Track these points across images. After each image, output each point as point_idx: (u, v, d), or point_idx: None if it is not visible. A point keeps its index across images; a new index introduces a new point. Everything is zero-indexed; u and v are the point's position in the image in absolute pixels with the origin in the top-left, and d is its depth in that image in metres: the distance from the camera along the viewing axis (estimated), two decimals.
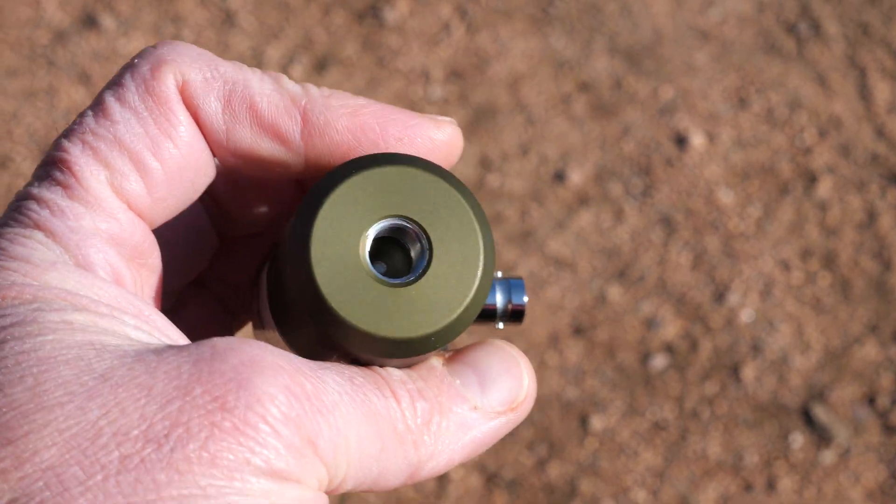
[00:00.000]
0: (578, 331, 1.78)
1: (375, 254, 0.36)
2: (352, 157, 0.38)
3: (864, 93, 2.03)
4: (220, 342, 0.33)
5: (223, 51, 2.06)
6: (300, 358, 0.34)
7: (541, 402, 1.72)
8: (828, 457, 1.67)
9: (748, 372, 1.74)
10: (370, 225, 0.36)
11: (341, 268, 0.35)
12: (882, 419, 1.70)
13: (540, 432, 1.70)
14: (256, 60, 2.05)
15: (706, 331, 1.78)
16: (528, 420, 1.71)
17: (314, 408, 0.33)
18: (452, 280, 0.35)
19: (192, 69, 0.37)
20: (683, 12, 2.13)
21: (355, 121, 0.38)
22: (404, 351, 0.35)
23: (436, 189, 0.36)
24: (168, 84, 0.37)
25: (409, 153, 0.37)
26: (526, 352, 1.88)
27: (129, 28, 2.07)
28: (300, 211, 0.36)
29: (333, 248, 0.35)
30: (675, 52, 2.08)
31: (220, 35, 2.08)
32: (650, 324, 1.79)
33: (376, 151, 0.38)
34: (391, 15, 2.11)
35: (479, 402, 0.38)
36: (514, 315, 0.41)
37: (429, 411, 0.36)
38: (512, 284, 0.41)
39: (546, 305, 1.80)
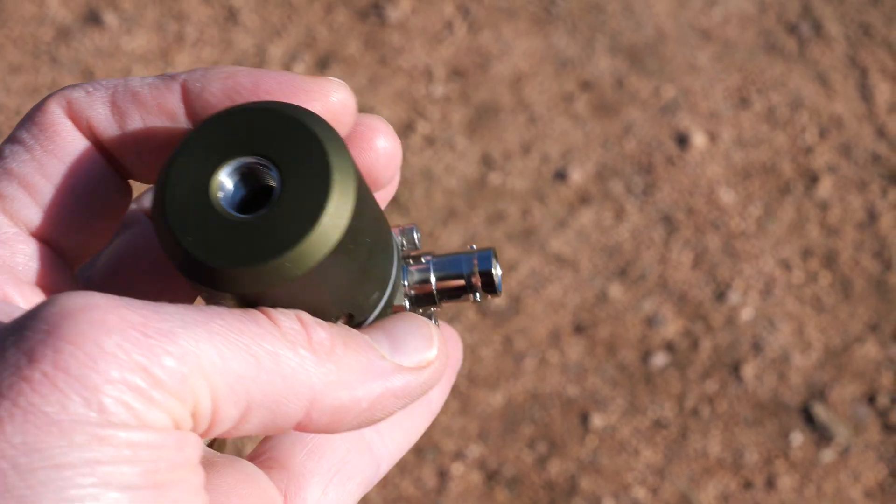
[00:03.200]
0: (579, 329, 1.79)
1: (238, 193, 0.36)
2: None
3: (865, 93, 2.03)
4: (51, 297, 0.32)
5: (226, 48, 2.07)
6: (131, 299, 0.33)
7: (542, 400, 1.73)
8: (828, 455, 1.67)
9: (748, 370, 1.74)
10: (221, 165, 0.36)
11: (193, 210, 0.35)
12: (882, 418, 1.70)
13: (541, 430, 1.71)
14: (259, 58, 2.05)
15: (707, 329, 1.78)
16: (529, 417, 1.71)
17: (145, 338, 0.31)
18: (302, 207, 0.34)
19: (75, 91, 0.38)
20: (685, 12, 2.13)
21: (229, 82, 0.38)
22: (267, 282, 0.34)
23: (288, 126, 0.36)
24: (52, 111, 0.38)
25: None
26: (527, 349, 1.89)
27: (132, 25, 2.08)
28: (163, 164, 0.37)
29: (185, 191, 0.36)
30: (677, 52, 2.08)
31: (223, 32, 2.08)
32: (651, 322, 1.79)
33: None
34: (394, 13, 2.11)
35: (389, 356, 0.37)
36: (486, 286, 0.41)
37: (329, 340, 0.35)
38: (479, 256, 0.42)
39: (547, 303, 1.81)
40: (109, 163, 0.40)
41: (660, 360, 1.76)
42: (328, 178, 0.35)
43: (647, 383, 1.74)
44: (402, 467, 1.67)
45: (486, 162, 1.95)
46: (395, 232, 0.42)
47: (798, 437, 1.69)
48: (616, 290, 1.82)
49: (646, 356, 1.76)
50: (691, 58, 2.08)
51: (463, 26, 2.11)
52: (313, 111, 0.37)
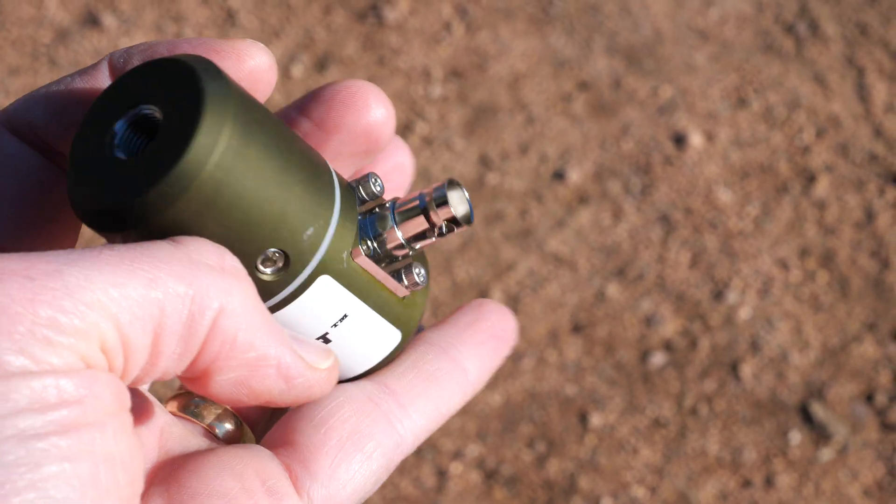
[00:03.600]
0: (578, 328, 1.79)
1: (134, 141, 0.37)
2: None
3: (863, 93, 2.03)
4: None
5: None
6: (14, 253, 0.32)
7: (540, 399, 1.73)
8: (826, 454, 1.67)
9: (747, 369, 1.74)
10: (115, 120, 0.37)
11: (93, 165, 0.36)
12: (880, 416, 1.70)
13: (539, 429, 1.71)
14: None
15: (705, 329, 1.78)
16: (528, 417, 1.72)
17: (30, 282, 0.31)
18: (179, 135, 0.35)
19: (14, 104, 0.39)
20: (683, 12, 2.13)
21: (148, 52, 0.39)
22: (155, 210, 0.35)
23: (178, 75, 0.36)
24: None
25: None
26: (525, 349, 1.89)
27: (130, 27, 2.08)
28: None
29: (87, 151, 0.37)
30: (675, 52, 2.08)
31: (222, 34, 2.09)
32: (649, 321, 1.79)
33: None
34: (391, 14, 2.12)
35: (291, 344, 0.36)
36: (448, 218, 0.40)
37: (244, 271, 0.34)
38: (436, 188, 0.40)
39: (545, 303, 1.81)
40: (59, 164, 0.40)
41: (658, 359, 1.76)
42: (200, 103, 0.35)
43: (645, 382, 1.74)
44: (400, 467, 1.67)
45: (484, 162, 1.96)
46: (351, 181, 0.41)
47: (796, 436, 1.69)
48: (614, 290, 1.82)
49: (644, 355, 1.76)
50: (689, 58, 2.08)
51: (461, 27, 2.11)
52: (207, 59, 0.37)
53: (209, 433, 0.42)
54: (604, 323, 1.79)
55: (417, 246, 0.41)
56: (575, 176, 1.93)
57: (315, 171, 0.38)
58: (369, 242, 0.40)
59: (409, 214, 0.40)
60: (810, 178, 1.94)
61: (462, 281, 1.83)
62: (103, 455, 0.31)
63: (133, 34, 2.07)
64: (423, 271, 0.41)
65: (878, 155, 1.96)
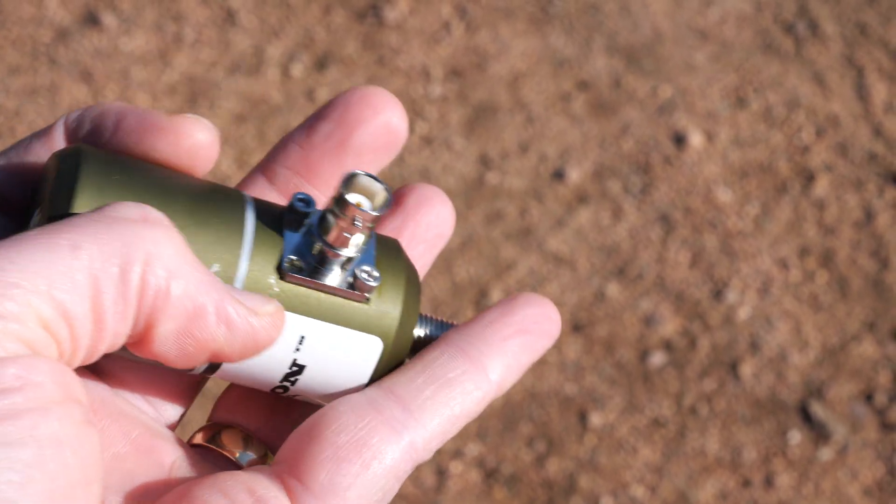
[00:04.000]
0: (577, 327, 1.79)
1: None
2: None
3: (862, 92, 2.04)
4: None
5: (224, 49, 2.07)
6: None
7: (540, 399, 1.73)
8: (826, 453, 1.68)
9: (746, 369, 1.75)
10: (34, 211, 0.39)
11: None
12: (880, 416, 1.71)
13: (539, 428, 1.71)
14: (257, 59, 2.06)
15: (705, 328, 1.78)
16: (528, 416, 1.72)
17: None
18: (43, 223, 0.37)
19: None
20: (682, 12, 2.14)
21: (97, 121, 0.40)
22: None
23: (57, 164, 0.39)
24: None
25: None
26: None
27: (130, 26, 2.08)
28: None
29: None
30: (674, 52, 2.09)
31: (221, 33, 2.09)
32: (649, 321, 1.79)
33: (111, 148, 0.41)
34: (391, 14, 2.12)
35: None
36: (354, 217, 0.39)
37: (174, 224, 0.35)
38: (335, 190, 0.40)
39: None
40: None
41: (658, 358, 1.76)
42: (57, 185, 0.37)
43: (645, 382, 1.75)
44: None
45: (484, 161, 1.96)
46: (283, 204, 0.42)
47: (796, 436, 1.69)
48: (614, 290, 1.82)
49: (644, 355, 1.77)
50: (688, 57, 2.08)
51: (460, 26, 2.11)
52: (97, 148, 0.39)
53: (232, 463, 0.41)
54: (603, 322, 1.79)
55: (357, 246, 0.40)
56: (575, 175, 1.94)
57: (211, 210, 0.39)
58: (308, 259, 0.40)
59: (323, 223, 0.40)
60: (810, 178, 1.94)
61: (462, 280, 1.84)
62: (49, 439, 0.31)
63: (133, 33, 2.07)
64: (372, 270, 0.40)
65: (877, 154, 1.96)
